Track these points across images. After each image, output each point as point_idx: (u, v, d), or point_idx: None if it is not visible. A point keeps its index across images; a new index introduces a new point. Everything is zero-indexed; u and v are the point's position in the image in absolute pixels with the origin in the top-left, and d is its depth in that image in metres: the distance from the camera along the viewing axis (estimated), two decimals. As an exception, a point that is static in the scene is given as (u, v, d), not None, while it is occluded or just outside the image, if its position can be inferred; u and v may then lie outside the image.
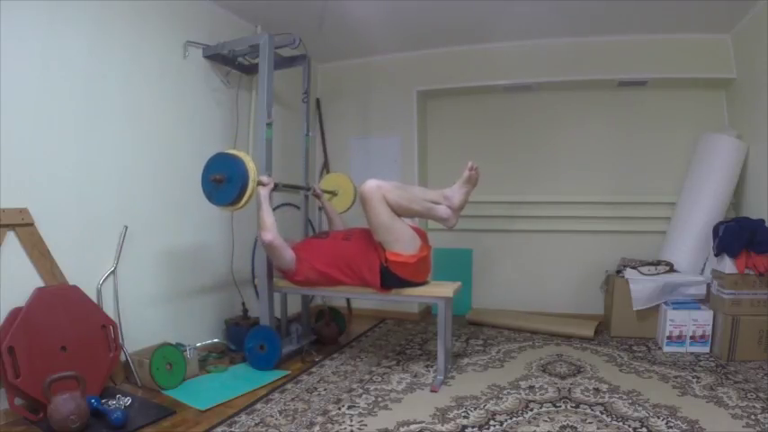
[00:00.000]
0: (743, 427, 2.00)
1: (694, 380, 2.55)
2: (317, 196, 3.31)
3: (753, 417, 2.08)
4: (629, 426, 2.00)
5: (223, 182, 2.46)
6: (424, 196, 2.67)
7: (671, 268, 3.38)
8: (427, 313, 4.25)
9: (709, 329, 3.03)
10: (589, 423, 2.04)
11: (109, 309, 2.49)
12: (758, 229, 2.95)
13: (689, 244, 3.45)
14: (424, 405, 2.27)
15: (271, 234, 2.59)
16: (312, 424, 2.08)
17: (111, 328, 2.34)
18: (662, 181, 3.85)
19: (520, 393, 2.40)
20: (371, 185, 2.48)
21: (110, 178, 2.55)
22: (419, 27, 3.67)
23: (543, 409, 2.21)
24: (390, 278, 2.59)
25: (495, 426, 2.04)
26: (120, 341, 2.45)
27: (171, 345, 2.58)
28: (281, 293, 3.15)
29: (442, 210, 2.60)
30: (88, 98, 2.44)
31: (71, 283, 2.29)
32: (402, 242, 2.53)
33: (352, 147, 4.38)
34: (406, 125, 4.21)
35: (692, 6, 3.20)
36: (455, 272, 3.93)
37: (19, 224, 2.12)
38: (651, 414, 2.12)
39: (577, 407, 2.22)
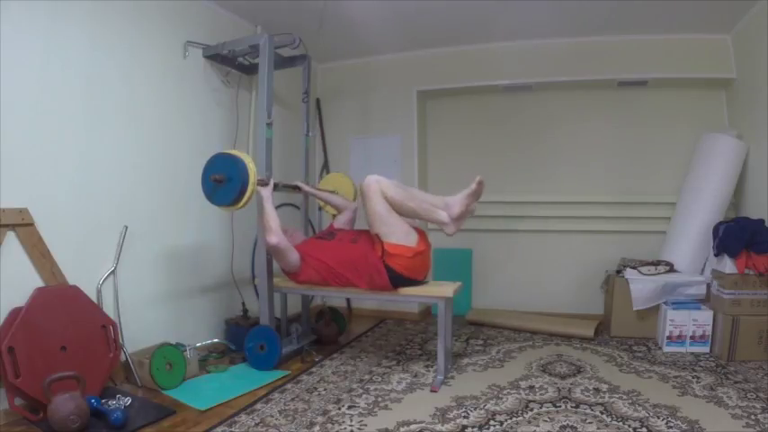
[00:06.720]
0: (743, 427, 2.00)
1: (694, 380, 2.55)
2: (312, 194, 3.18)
3: (753, 417, 2.08)
4: (629, 426, 2.00)
5: (223, 182, 2.46)
6: (424, 198, 2.68)
7: (671, 268, 3.38)
8: (427, 313, 4.25)
9: (709, 329, 3.03)
10: (589, 423, 2.04)
11: (109, 309, 2.49)
12: (758, 229, 2.95)
13: (689, 244, 3.45)
14: (424, 405, 2.27)
15: (276, 237, 2.60)
16: (312, 424, 2.08)
17: (111, 328, 2.34)
18: (662, 181, 3.85)
19: (520, 393, 2.40)
20: (371, 179, 2.58)
21: (110, 178, 2.55)
22: (419, 27, 3.67)
23: (543, 409, 2.21)
24: (394, 277, 2.59)
25: (495, 426, 2.04)
26: (120, 341, 2.46)
27: (171, 345, 2.58)
28: (281, 293, 3.15)
29: (442, 214, 2.59)
30: (88, 98, 2.44)
31: (71, 283, 2.29)
32: (398, 234, 2.57)
33: (352, 147, 4.38)
34: (406, 125, 4.21)
35: (691, 6, 3.20)
36: (455, 272, 3.94)
37: (19, 224, 2.11)
38: (651, 414, 2.12)
39: (577, 407, 2.22)
